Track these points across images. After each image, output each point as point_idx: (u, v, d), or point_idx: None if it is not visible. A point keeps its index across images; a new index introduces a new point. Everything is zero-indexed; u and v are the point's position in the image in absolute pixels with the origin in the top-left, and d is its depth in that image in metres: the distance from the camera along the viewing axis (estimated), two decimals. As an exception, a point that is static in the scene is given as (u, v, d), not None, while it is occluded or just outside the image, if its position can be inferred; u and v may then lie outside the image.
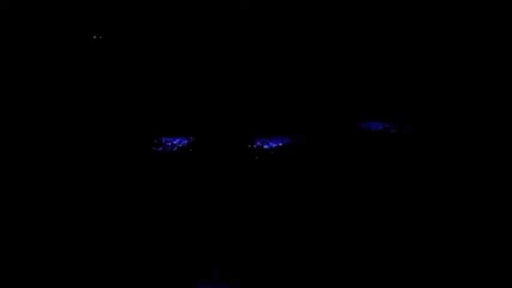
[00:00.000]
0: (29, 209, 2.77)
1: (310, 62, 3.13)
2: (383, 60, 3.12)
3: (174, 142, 2.98)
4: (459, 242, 2.55)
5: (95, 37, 2.89)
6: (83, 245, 2.61)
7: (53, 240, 2.63)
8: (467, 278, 2.37)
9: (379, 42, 3.12)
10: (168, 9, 3.11)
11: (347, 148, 2.95)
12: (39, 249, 2.58)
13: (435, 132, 2.97)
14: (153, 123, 3.07)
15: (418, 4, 3.08)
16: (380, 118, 3.05)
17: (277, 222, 2.72)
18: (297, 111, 3.11)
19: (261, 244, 2.61)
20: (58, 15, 3.05)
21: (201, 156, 2.95)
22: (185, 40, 3.13)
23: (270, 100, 3.11)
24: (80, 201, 2.81)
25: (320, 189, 2.84)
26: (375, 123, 3.01)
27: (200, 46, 3.13)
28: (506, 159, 2.83)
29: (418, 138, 2.95)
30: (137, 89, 3.10)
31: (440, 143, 2.93)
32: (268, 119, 3.10)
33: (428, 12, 3.08)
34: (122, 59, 3.10)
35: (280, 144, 2.95)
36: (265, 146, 2.93)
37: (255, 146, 2.94)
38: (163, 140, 2.99)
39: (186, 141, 2.99)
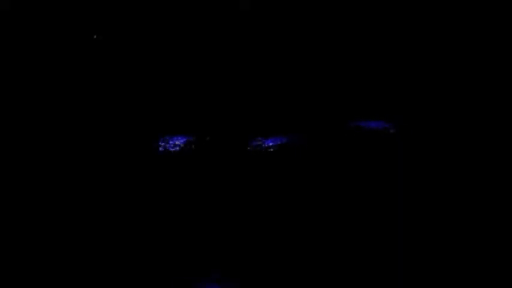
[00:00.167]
0: (29, 209, 2.77)
1: (310, 62, 3.13)
2: (383, 60, 3.12)
3: (173, 141, 2.98)
4: (459, 242, 2.55)
5: (95, 37, 2.89)
6: (83, 244, 2.61)
7: (53, 240, 2.63)
8: (467, 278, 2.37)
9: (379, 42, 3.12)
10: (168, 9, 3.11)
11: (347, 148, 2.95)
12: (39, 249, 2.58)
13: (435, 132, 2.96)
14: (153, 123, 3.07)
15: (418, 4, 3.08)
16: (380, 118, 3.05)
17: (276, 222, 2.72)
18: (296, 110, 3.11)
19: (261, 244, 2.61)
20: (58, 15, 3.05)
21: (200, 156, 2.95)
22: (185, 40, 3.13)
23: (270, 100, 3.11)
24: (81, 201, 2.81)
25: (319, 189, 2.84)
26: (374, 123, 3.01)
27: (200, 46, 3.13)
28: (506, 159, 2.83)
29: (418, 138, 2.95)
30: (137, 88, 3.10)
31: (440, 143, 2.93)
32: (268, 119, 3.10)
33: (428, 12, 3.08)
34: (122, 59, 3.10)
35: (280, 143, 2.95)
36: (265, 146, 2.93)
37: (254, 145, 2.94)
38: (163, 139, 2.99)
39: (185, 141, 2.99)
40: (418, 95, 3.07)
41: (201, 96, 3.12)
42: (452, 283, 2.35)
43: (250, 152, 2.93)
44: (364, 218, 2.71)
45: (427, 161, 2.88)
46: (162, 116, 3.10)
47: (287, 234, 2.65)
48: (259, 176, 2.89)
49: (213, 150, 2.97)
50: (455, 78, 3.06)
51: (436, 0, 3.07)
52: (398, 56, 3.11)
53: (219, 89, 3.12)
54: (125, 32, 3.09)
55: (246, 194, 2.84)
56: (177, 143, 2.98)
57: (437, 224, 2.64)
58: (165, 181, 2.89)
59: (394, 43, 3.12)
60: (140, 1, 3.09)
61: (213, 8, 3.11)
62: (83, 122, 3.02)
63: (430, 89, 3.07)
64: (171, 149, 2.95)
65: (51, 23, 3.05)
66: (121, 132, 3.02)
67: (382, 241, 2.59)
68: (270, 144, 2.95)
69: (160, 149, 2.95)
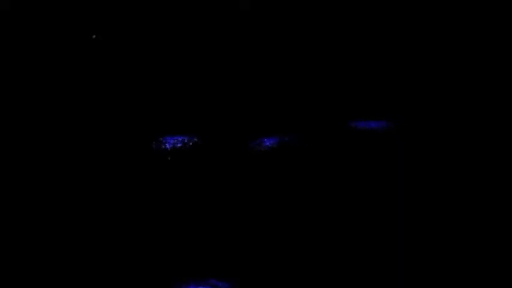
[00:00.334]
0: (29, 208, 2.77)
1: (310, 62, 3.13)
2: (383, 60, 3.12)
3: (173, 141, 2.98)
4: (459, 242, 2.55)
5: (94, 36, 2.89)
6: (83, 244, 2.61)
7: (53, 239, 2.63)
8: (467, 278, 2.37)
9: (379, 42, 3.12)
10: (167, 9, 3.11)
11: (346, 148, 2.95)
12: (39, 249, 2.58)
13: (435, 132, 2.96)
14: (152, 123, 3.07)
15: (418, 4, 3.08)
16: (380, 118, 3.05)
17: (276, 222, 2.72)
18: (296, 110, 3.11)
19: (260, 244, 2.61)
20: (58, 15, 3.06)
21: (199, 156, 2.95)
22: (185, 40, 3.13)
23: (270, 99, 3.11)
24: (80, 201, 2.81)
25: (319, 189, 2.84)
26: (374, 123, 3.01)
27: (200, 46, 3.13)
28: (507, 159, 2.83)
29: (418, 138, 2.95)
30: (137, 88, 3.10)
31: (440, 143, 2.93)
32: (268, 119, 3.10)
33: (428, 12, 3.08)
34: (122, 58, 3.10)
35: (280, 143, 2.95)
36: (264, 145, 2.93)
37: (254, 145, 2.94)
38: (163, 139, 2.99)
39: (184, 141, 2.99)
40: (418, 95, 3.06)
41: (200, 96, 3.12)
42: (452, 283, 2.35)
43: (249, 152, 2.93)
44: (363, 218, 2.71)
45: (427, 161, 2.88)
46: (161, 116, 3.10)
47: (287, 234, 2.65)
48: (258, 176, 2.89)
49: (212, 150, 2.97)
50: (455, 78, 3.05)
51: (436, 0, 3.06)
52: (398, 56, 3.11)
53: (219, 88, 3.12)
54: (124, 32, 3.09)
55: (245, 193, 2.84)
56: (175, 142, 2.98)
57: (437, 224, 2.64)
58: (164, 181, 2.89)
59: (394, 43, 3.12)
60: (140, 1, 3.09)
61: (213, 8, 3.11)
62: (82, 121, 3.02)
63: (430, 89, 3.06)
64: (170, 149, 2.95)
65: (51, 23, 3.05)
66: (120, 132, 3.02)
67: (382, 241, 2.58)
68: (270, 143, 2.95)
69: (159, 148, 2.95)
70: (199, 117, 3.10)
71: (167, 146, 2.95)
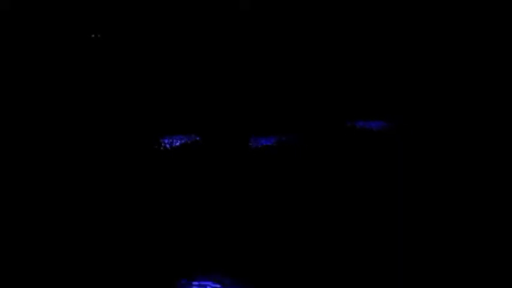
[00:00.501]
0: (29, 208, 2.77)
1: (310, 62, 3.13)
2: (383, 60, 3.12)
3: (173, 141, 2.98)
4: (459, 242, 2.55)
5: (93, 36, 2.89)
6: (83, 244, 2.61)
7: (52, 239, 2.63)
8: (467, 278, 2.37)
9: (379, 42, 3.12)
10: (168, 9, 3.11)
11: (346, 148, 2.95)
12: (39, 249, 2.58)
13: (435, 132, 2.96)
14: (152, 123, 3.07)
15: (418, 4, 3.08)
16: (380, 118, 3.05)
17: (276, 223, 2.72)
18: (296, 110, 3.11)
19: (260, 244, 2.61)
20: (58, 15, 3.06)
21: (199, 156, 2.95)
22: (185, 40, 3.13)
23: (270, 99, 3.11)
24: (81, 201, 2.81)
25: (319, 189, 2.84)
26: (374, 123, 3.00)
27: (200, 46, 3.13)
28: (506, 159, 2.83)
29: (418, 138, 2.95)
30: (137, 88, 3.10)
31: (440, 143, 2.93)
32: (268, 118, 3.10)
33: (428, 12, 3.08)
34: (122, 58, 3.10)
35: (280, 143, 2.95)
36: (264, 145, 2.93)
37: (254, 145, 2.94)
38: (163, 139, 2.99)
39: (184, 140, 2.99)
40: (417, 95, 3.06)
41: (200, 96, 3.12)
42: (453, 283, 2.35)
43: (249, 152, 2.93)
44: (363, 218, 2.71)
45: (427, 161, 2.88)
46: (161, 116, 3.10)
47: (287, 234, 2.65)
48: (258, 176, 2.89)
49: (212, 150, 2.96)
50: (454, 78, 3.06)
51: (435, 0, 3.07)
52: (398, 56, 3.11)
53: (219, 88, 3.12)
54: (124, 31, 3.09)
55: (245, 193, 2.84)
56: (176, 142, 2.98)
57: (437, 224, 2.64)
58: (164, 181, 2.89)
59: (394, 43, 3.12)
60: (140, 1, 3.09)
61: (213, 8, 3.11)
62: (82, 121, 3.02)
63: (430, 89, 3.06)
64: (170, 149, 2.95)
65: (51, 23, 3.05)
66: (120, 132, 3.02)
67: (382, 241, 2.58)
68: (270, 143, 2.95)
69: (160, 148, 2.95)
70: (199, 117, 3.10)
71: (167, 145, 2.95)
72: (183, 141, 2.98)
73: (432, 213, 2.69)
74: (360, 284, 2.38)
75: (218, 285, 2.33)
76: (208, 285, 2.33)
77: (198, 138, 3.00)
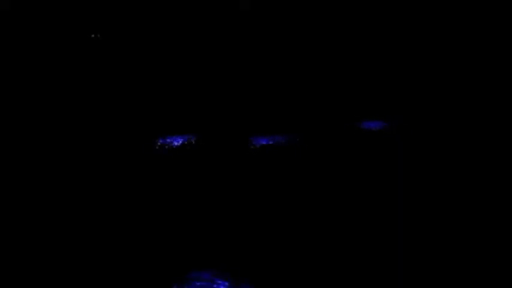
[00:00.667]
0: (29, 208, 2.77)
1: (310, 62, 3.13)
2: (383, 60, 3.12)
3: (173, 141, 2.98)
4: (459, 241, 2.54)
5: (93, 36, 2.89)
6: (83, 244, 2.61)
7: (52, 239, 2.63)
8: (467, 278, 2.37)
9: (379, 42, 3.12)
10: (168, 9, 3.11)
11: (346, 148, 2.94)
12: (39, 249, 2.58)
13: (435, 132, 2.96)
14: (152, 123, 3.07)
15: (418, 4, 3.08)
16: (380, 118, 3.05)
17: (275, 222, 2.72)
18: (296, 110, 3.11)
19: (260, 244, 2.61)
20: (58, 15, 3.06)
21: (199, 155, 2.95)
22: (185, 40, 3.13)
23: (270, 99, 3.11)
24: (81, 201, 2.81)
25: (319, 188, 2.84)
26: (374, 123, 3.00)
27: (200, 46, 3.13)
28: (506, 159, 2.83)
29: (418, 138, 2.95)
30: (137, 88, 3.10)
31: (440, 143, 2.93)
32: (267, 118, 3.10)
33: (428, 12, 3.08)
34: (122, 58, 3.10)
35: (280, 143, 2.95)
36: (264, 145, 2.93)
37: (253, 145, 2.94)
38: (163, 139, 2.99)
39: (184, 140, 2.99)
40: (417, 95, 3.06)
41: (200, 95, 3.12)
42: (453, 283, 2.35)
43: (249, 151, 2.93)
44: (363, 218, 2.71)
45: (427, 161, 2.88)
46: (161, 116, 3.10)
47: (286, 234, 2.65)
48: (258, 176, 2.89)
49: (212, 150, 2.96)
50: (454, 78, 3.05)
51: (435, 0, 3.07)
52: (398, 56, 3.11)
53: (219, 88, 3.12)
54: (124, 31, 3.09)
55: (244, 193, 2.84)
56: (176, 142, 2.98)
57: (437, 224, 2.63)
58: (164, 180, 2.89)
59: (393, 43, 3.12)
60: (140, 1, 3.09)
61: (213, 8, 3.11)
62: (82, 121, 3.02)
63: (430, 89, 3.06)
64: (170, 149, 2.95)
65: (51, 23, 3.05)
66: (120, 132, 3.02)
67: (382, 241, 2.58)
68: (270, 143, 2.95)
69: (159, 148, 2.95)
70: (199, 117, 3.10)
71: (167, 145, 2.95)
72: (182, 141, 2.98)
73: (432, 213, 2.69)
74: (360, 284, 2.38)
75: (218, 285, 2.33)
76: (208, 285, 2.33)
77: (198, 138, 3.00)
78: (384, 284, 2.37)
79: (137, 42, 3.10)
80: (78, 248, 2.57)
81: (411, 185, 2.81)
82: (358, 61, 3.13)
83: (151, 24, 3.10)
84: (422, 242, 2.55)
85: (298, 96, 3.11)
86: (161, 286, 2.35)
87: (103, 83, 3.07)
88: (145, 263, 2.50)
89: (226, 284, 2.32)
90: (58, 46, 3.06)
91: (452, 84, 3.05)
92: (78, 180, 2.87)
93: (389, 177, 2.85)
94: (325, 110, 3.10)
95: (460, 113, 3.00)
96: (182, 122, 3.10)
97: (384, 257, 2.50)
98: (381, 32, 3.12)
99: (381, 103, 3.09)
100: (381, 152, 2.92)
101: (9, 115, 2.98)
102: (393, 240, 2.58)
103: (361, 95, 3.11)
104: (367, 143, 2.94)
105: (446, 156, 2.89)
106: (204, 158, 2.94)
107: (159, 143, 2.97)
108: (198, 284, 2.31)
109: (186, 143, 2.98)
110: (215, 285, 2.30)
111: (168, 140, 2.99)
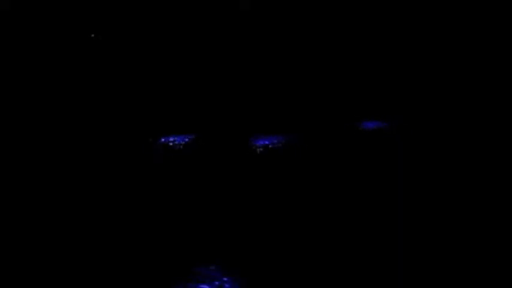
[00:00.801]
0: (29, 208, 2.77)
1: (310, 62, 3.13)
2: (383, 60, 3.12)
3: (173, 141, 2.98)
4: (459, 241, 2.55)
5: (93, 36, 2.89)
6: (83, 244, 2.61)
7: (53, 239, 2.63)
8: (467, 277, 2.37)
9: (379, 42, 3.12)
10: (168, 9, 3.11)
11: (346, 148, 2.95)
12: (39, 248, 2.58)
13: (435, 132, 2.96)
14: (152, 123, 3.07)
15: (418, 4, 3.08)
16: (380, 118, 3.05)
17: (275, 222, 2.72)
18: (296, 110, 3.11)
19: (260, 243, 2.61)
20: (58, 15, 3.06)
21: (199, 155, 2.95)
22: (185, 40, 3.13)
23: (270, 99, 3.11)
24: (80, 201, 2.81)
25: (319, 189, 2.84)
26: (374, 123, 3.00)
27: (200, 46, 3.13)
28: (506, 158, 2.83)
29: (418, 138, 2.95)
30: (136, 88, 3.10)
31: (440, 143, 2.93)
32: (267, 119, 3.10)
33: (428, 12, 3.08)
34: (122, 58, 3.10)
35: (280, 143, 2.95)
36: (263, 145, 2.93)
37: (253, 145, 2.94)
38: (163, 139, 2.99)
39: (184, 140, 2.99)
40: (417, 95, 3.07)
41: (200, 95, 3.12)
42: (453, 283, 2.35)
43: (249, 151, 2.93)
44: (364, 218, 2.71)
45: (427, 161, 2.88)
46: (161, 116, 3.10)
47: (286, 234, 2.65)
48: (258, 176, 2.89)
49: (212, 150, 2.96)
50: (454, 78, 3.06)
51: (435, 1, 3.07)
52: (398, 56, 3.11)
53: (219, 88, 3.12)
54: (124, 31, 3.09)
55: (244, 193, 2.84)
56: (176, 142, 2.98)
57: (437, 224, 2.64)
58: (164, 180, 2.89)
59: (394, 43, 3.12)
60: (140, 1, 3.09)
61: (213, 8, 3.11)
62: (82, 121, 3.02)
63: (430, 89, 3.07)
64: (170, 149, 2.95)
65: (51, 22, 3.05)
66: (120, 132, 3.02)
67: (382, 241, 2.58)
68: (269, 143, 2.95)
69: (160, 148, 2.95)
70: (198, 117, 3.10)
71: (167, 145, 2.95)
72: (182, 140, 2.98)
73: (432, 213, 2.69)
74: (360, 284, 2.38)
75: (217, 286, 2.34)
76: (208, 285, 2.33)
77: (197, 138, 3.00)
78: (384, 284, 2.37)
79: (137, 42, 3.10)
80: (78, 248, 2.57)
81: (411, 185, 2.81)
82: (358, 61, 3.13)
83: (152, 24, 3.10)
84: (422, 242, 2.55)
85: (298, 97, 3.11)
86: (160, 287, 2.35)
87: (103, 83, 3.07)
88: (145, 264, 2.50)
89: (227, 286, 2.32)
90: (58, 46, 3.06)
91: (452, 84, 3.05)
92: (78, 180, 2.87)
93: (389, 177, 2.85)
94: (325, 110, 3.10)
95: (460, 113, 3.00)
96: (182, 122, 3.10)
97: (384, 256, 2.50)
98: (380, 32, 3.12)
99: (381, 103, 3.09)
100: (381, 152, 2.92)
101: (9, 115, 2.98)
102: (393, 239, 2.58)
103: (361, 95, 3.11)
104: (367, 143, 2.95)
105: (446, 156, 2.89)
106: (204, 158, 2.94)
107: (159, 143, 2.97)
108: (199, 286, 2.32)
109: (186, 143, 2.98)
110: (217, 283, 2.30)
111: (168, 140, 2.99)
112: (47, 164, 2.90)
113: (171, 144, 2.97)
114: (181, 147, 2.95)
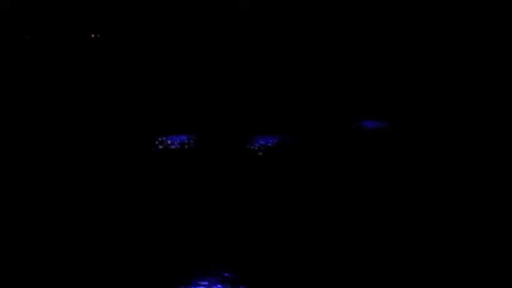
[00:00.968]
0: (29, 208, 2.77)
1: (310, 62, 3.13)
2: (383, 61, 3.12)
3: (172, 141, 2.98)
4: (459, 241, 2.55)
5: (93, 36, 2.89)
6: (83, 244, 2.61)
7: (53, 239, 2.62)
8: (467, 277, 2.37)
9: (380, 43, 3.12)
10: (168, 9, 3.11)
11: (346, 148, 2.95)
12: (39, 249, 2.58)
13: (435, 132, 2.96)
14: (151, 123, 3.07)
15: (417, 4, 3.08)
16: (379, 118, 3.05)
17: (275, 222, 2.72)
18: (296, 110, 3.11)
19: (260, 242, 2.61)
20: (58, 15, 3.06)
21: (199, 155, 2.95)
22: (185, 40, 3.13)
23: (270, 99, 3.11)
24: (81, 200, 2.81)
25: (319, 188, 2.84)
26: (374, 123, 3.01)
27: (200, 46, 3.13)
28: (506, 158, 2.83)
29: (417, 138, 2.95)
30: (136, 88, 3.10)
31: (440, 143, 2.93)
32: (267, 119, 3.10)
33: (428, 13, 3.08)
34: (122, 58, 3.10)
35: (280, 143, 2.95)
36: (263, 145, 2.93)
37: (253, 144, 2.94)
38: (162, 139, 2.99)
39: (184, 140, 2.99)
40: (417, 95, 3.07)
41: (200, 95, 3.12)
42: (452, 283, 2.35)
43: (249, 151, 2.93)
44: (364, 217, 2.71)
45: (427, 161, 2.88)
46: (161, 116, 3.10)
47: (286, 234, 2.65)
48: (258, 176, 2.89)
49: (212, 150, 2.96)
50: (454, 78, 3.06)
51: (435, 1, 3.07)
52: (398, 57, 3.11)
53: (218, 88, 3.12)
54: (124, 31, 3.09)
55: (245, 193, 2.84)
56: (175, 142, 2.98)
57: (437, 223, 2.64)
58: (164, 180, 2.89)
59: (394, 44, 3.12)
60: (140, 1, 3.09)
61: (213, 8, 3.11)
62: (81, 121, 3.02)
63: (430, 89, 3.07)
64: (170, 149, 2.95)
65: (51, 22, 3.05)
66: (120, 131, 3.02)
67: (382, 240, 2.58)
68: (270, 143, 2.95)
69: (160, 148, 2.95)
70: (198, 117, 3.10)
71: (167, 145, 2.95)
72: (182, 140, 2.98)
73: (432, 213, 2.69)
74: (360, 284, 2.38)
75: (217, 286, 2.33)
76: (208, 286, 2.33)
77: (197, 138, 3.00)
78: (384, 284, 2.36)
79: (137, 42, 3.10)
80: (77, 248, 2.57)
81: (411, 185, 2.81)
82: (359, 62, 3.13)
83: (152, 24, 3.10)
84: (422, 241, 2.55)
85: (298, 97, 3.11)
86: None
87: (103, 83, 3.07)
88: (145, 265, 2.50)
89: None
90: (58, 46, 3.06)
91: (452, 85, 3.05)
92: (78, 180, 2.87)
93: (389, 177, 2.85)
94: (325, 110, 3.10)
95: (459, 113, 3.00)
96: (181, 122, 3.10)
97: (384, 256, 2.50)
98: (381, 33, 3.12)
99: (381, 103, 3.10)
100: (381, 152, 2.92)
101: (9, 114, 2.98)
102: (393, 239, 2.58)
103: (361, 95, 3.11)
104: (367, 143, 2.95)
105: (445, 155, 2.89)
106: (203, 158, 2.94)
107: (158, 143, 2.97)
108: None
109: (185, 142, 2.98)
110: None
111: (168, 140, 2.99)
112: (46, 164, 2.90)
113: (171, 144, 2.97)
114: (181, 147, 2.95)
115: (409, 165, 2.88)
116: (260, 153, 2.92)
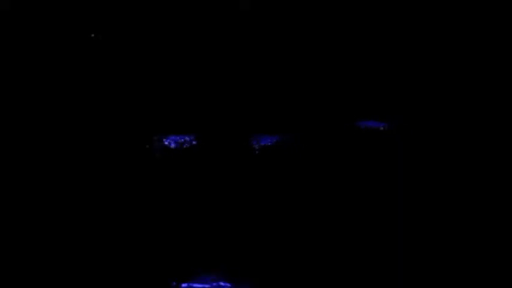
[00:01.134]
0: (29, 208, 2.77)
1: (310, 62, 3.13)
2: (382, 60, 3.12)
3: (172, 141, 2.98)
4: (459, 242, 2.55)
5: (93, 36, 2.89)
6: (83, 244, 2.61)
7: (53, 239, 2.62)
8: (467, 278, 2.37)
9: (379, 42, 3.12)
10: (167, 9, 3.11)
11: (346, 148, 2.95)
12: (39, 248, 2.58)
13: (435, 133, 2.96)
14: (151, 123, 3.07)
15: (417, 4, 3.08)
16: (379, 118, 3.05)
17: (275, 223, 2.72)
18: (296, 110, 3.11)
19: (260, 243, 2.61)
20: (58, 15, 3.06)
21: (198, 155, 2.95)
22: (185, 40, 3.13)
23: (270, 99, 3.11)
24: (80, 201, 2.81)
25: (319, 189, 2.84)
26: (374, 123, 3.00)
27: (200, 46, 3.13)
28: (506, 159, 2.83)
29: (417, 138, 2.95)
30: (136, 88, 3.10)
31: (440, 143, 2.93)
32: (266, 118, 3.10)
33: (428, 13, 3.08)
34: (122, 58, 3.10)
35: (280, 143, 2.95)
36: (263, 145, 2.93)
37: (252, 144, 2.94)
38: (162, 139, 2.99)
39: (183, 140, 2.99)
40: (417, 95, 3.06)
41: (199, 95, 3.12)
42: (452, 283, 2.35)
43: (249, 152, 2.93)
44: (364, 218, 2.71)
45: (427, 161, 2.88)
46: (161, 116, 3.10)
47: (286, 234, 2.65)
48: (258, 176, 2.89)
49: (211, 150, 2.96)
50: (454, 78, 3.05)
51: (435, 1, 3.07)
52: (398, 56, 3.11)
53: (218, 88, 3.12)
54: (124, 31, 3.09)
55: (245, 193, 2.84)
56: (175, 142, 2.98)
57: (437, 224, 2.64)
58: (163, 180, 2.89)
59: (394, 43, 3.12)
60: (140, 1, 3.09)
61: (213, 8, 3.11)
62: (81, 121, 3.02)
63: (430, 89, 3.06)
64: (170, 148, 2.95)
65: (51, 22, 3.05)
66: (119, 131, 3.02)
67: (382, 241, 2.58)
68: (270, 143, 2.95)
69: (159, 148, 2.95)
70: (198, 117, 3.10)
71: (167, 145, 2.95)
72: (181, 140, 2.98)
73: (432, 213, 2.69)
74: (360, 284, 2.38)
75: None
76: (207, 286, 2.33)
77: (197, 138, 3.00)
78: (384, 284, 2.37)
79: (137, 42, 3.10)
80: (77, 248, 2.57)
81: (411, 185, 2.81)
82: (358, 61, 3.13)
83: (151, 24, 3.10)
84: (422, 242, 2.55)
85: (298, 96, 3.11)
86: None
87: (103, 83, 3.07)
88: (143, 266, 2.50)
89: (229, 285, 2.32)
90: (58, 46, 3.06)
91: (452, 84, 3.05)
92: (78, 180, 2.87)
93: (389, 177, 2.85)
94: (324, 110, 3.10)
95: (460, 113, 3.00)
96: (182, 122, 3.10)
97: (384, 257, 2.50)
98: (380, 31, 3.12)
99: (380, 103, 3.09)
100: (381, 152, 2.92)
101: (8, 115, 2.98)
102: (393, 240, 2.58)
103: (361, 95, 3.11)
104: (367, 143, 2.95)
105: (446, 156, 2.89)
106: (203, 159, 2.94)
107: (158, 143, 2.97)
108: (200, 287, 2.32)
109: (185, 142, 2.98)
110: None
111: (168, 140, 2.99)
112: (46, 164, 2.90)
113: (170, 144, 2.97)
114: (181, 147, 2.95)
115: (409, 165, 2.88)
116: (260, 153, 2.92)
